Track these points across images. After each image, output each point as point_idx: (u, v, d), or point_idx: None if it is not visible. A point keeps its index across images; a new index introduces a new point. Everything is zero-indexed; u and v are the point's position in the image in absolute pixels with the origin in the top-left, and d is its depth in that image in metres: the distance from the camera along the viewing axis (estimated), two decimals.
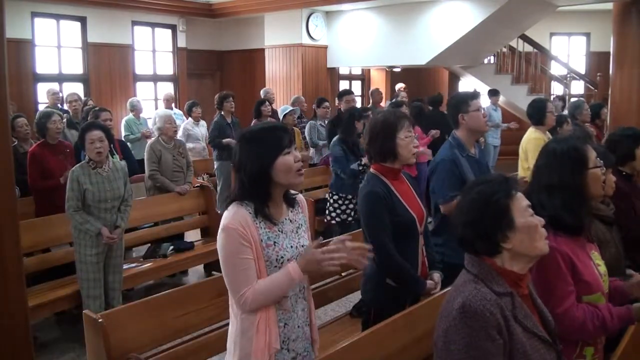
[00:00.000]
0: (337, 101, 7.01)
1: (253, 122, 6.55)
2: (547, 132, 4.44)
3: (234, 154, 1.92)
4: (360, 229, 2.72)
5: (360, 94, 11.60)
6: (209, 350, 2.76)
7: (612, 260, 2.20)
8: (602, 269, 2.00)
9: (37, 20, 8.40)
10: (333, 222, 5.14)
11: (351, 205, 5.03)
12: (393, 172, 2.55)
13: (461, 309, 1.47)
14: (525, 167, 4.30)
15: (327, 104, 6.90)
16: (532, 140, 4.31)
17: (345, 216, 5.07)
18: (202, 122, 7.47)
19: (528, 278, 1.61)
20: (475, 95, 3.22)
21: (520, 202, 1.56)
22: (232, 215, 1.84)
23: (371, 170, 2.59)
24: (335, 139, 5.05)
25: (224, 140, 6.56)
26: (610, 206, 2.33)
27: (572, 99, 7.94)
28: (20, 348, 2.45)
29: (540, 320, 1.62)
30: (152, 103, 10.07)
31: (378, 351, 2.31)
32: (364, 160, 4.59)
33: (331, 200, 5.12)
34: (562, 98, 8.82)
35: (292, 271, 1.83)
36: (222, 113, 6.78)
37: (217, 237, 1.86)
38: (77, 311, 3.88)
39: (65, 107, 6.98)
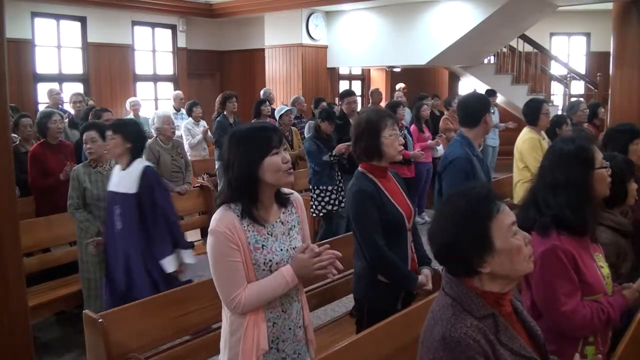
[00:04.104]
0: (337, 100, 7.01)
1: (253, 121, 6.56)
2: (543, 133, 4.44)
3: (223, 153, 1.89)
4: (350, 232, 2.73)
5: (360, 94, 11.59)
6: (209, 350, 2.75)
7: (630, 272, 2.21)
8: (605, 270, 1.99)
9: (37, 20, 8.40)
10: (320, 215, 5.26)
11: (333, 196, 5.20)
12: (380, 170, 2.56)
13: (442, 340, 1.36)
14: (520, 167, 4.31)
15: (324, 104, 6.91)
16: (527, 141, 4.31)
17: (330, 207, 5.20)
18: (202, 122, 7.47)
19: (511, 295, 1.50)
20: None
21: (503, 221, 1.40)
22: (220, 219, 1.82)
23: (359, 168, 2.60)
24: (308, 136, 5.20)
25: None
26: (629, 215, 2.33)
27: (572, 99, 7.93)
28: (21, 348, 2.46)
29: (529, 336, 1.53)
30: (152, 103, 10.08)
31: (376, 351, 2.31)
32: (335, 151, 5.03)
33: (314, 195, 5.25)
34: None
35: (287, 275, 1.83)
36: (225, 113, 6.78)
37: (207, 240, 1.85)
38: (77, 311, 3.88)
39: (69, 107, 6.98)
